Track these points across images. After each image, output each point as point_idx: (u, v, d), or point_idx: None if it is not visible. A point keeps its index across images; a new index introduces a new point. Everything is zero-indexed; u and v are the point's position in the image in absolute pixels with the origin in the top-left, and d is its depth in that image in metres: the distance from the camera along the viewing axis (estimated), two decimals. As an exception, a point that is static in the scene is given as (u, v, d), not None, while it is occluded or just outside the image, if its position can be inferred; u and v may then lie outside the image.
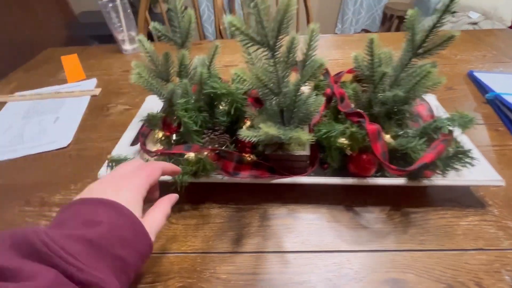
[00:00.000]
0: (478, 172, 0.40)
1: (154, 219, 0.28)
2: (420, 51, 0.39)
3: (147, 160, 0.45)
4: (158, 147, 0.47)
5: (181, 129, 0.43)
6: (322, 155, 0.44)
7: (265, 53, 0.31)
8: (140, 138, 0.46)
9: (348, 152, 0.40)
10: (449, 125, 0.40)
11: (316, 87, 0.51)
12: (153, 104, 0.60)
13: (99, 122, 0.65)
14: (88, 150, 0.57)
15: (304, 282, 0.35)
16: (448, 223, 0.40)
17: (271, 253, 0.38)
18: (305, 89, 0.43)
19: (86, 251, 0.21)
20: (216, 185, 0.45)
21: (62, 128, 0.63)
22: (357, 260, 0.37)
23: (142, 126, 0.50)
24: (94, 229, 0.22)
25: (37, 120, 0.66)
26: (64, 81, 0.82)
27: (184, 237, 0.41)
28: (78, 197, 0.27)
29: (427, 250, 0.37)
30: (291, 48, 0.31)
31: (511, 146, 0.52)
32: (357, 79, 0.53)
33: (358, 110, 0.41)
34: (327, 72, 0.53)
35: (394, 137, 0.40)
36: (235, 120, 0.49)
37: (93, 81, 0.80)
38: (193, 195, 0.45)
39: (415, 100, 0.43)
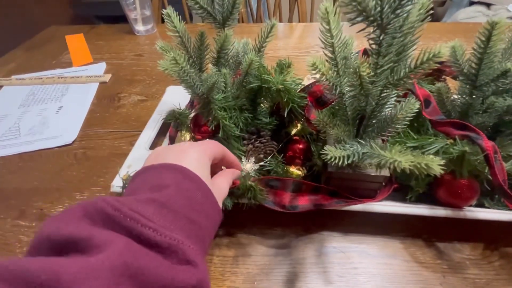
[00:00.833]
0: None
1: (220, 187, 0.27)
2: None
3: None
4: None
5: (219, 134, 0.34)
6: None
7: (373, 35, 0.21)
8: (169, 144, 0.36)
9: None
10: None
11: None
12: (174, 97, 0.50)
13: (110, 114, 0.55)
14: (97, 149, 0.48)
15: None
16: None
17: (338, 305, 0.29)
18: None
19: (159, 213, 0.19)
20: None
21: (66, 120, 0.53)
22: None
23: (169, 126, 0.40)
24: (163, 192, 0.21)
25: (36, 109, 0.56)
26: (68, 64, 0.72)
27: (221, 274, 0.32)
28: (143, 165, 0.25)
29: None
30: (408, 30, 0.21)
31: None
32: (436, 77, 0.42)
33: (456, 119, 0.31)
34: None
35: (505, 158, 0.30)
36: (282, 122, 0.39)
37: (102, 65, 0.70)
38: (229, 217, 0.35)
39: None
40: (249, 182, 0.31)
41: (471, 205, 0.32)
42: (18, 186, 0.42)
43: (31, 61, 0.74)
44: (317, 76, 0.40)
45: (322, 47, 0.25)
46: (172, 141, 0.38)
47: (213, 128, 0.34)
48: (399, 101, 0.33)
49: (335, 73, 0.25)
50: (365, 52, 0.34)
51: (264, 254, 0.33)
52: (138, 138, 0.42)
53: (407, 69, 0.25)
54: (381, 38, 0.20)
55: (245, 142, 0.36)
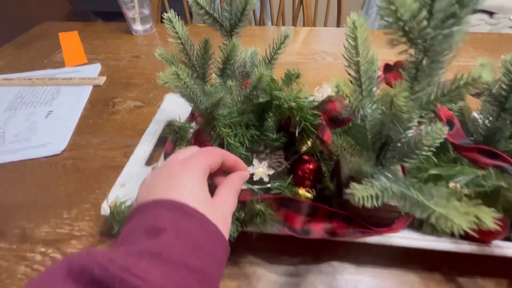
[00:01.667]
0: None
1: (225, 203, 0.24)
2: None
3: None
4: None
5: (224, 154, 0.30)
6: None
7: (412, 58, 0.18)
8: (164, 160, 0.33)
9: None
10: None
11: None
12: (174, 105, 0.46)
13: (103, 121, 0.51)
14: (88, 160, 0.44)
15: None
16: None
17: None
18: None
19: (155, 266, 0.17)
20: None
21: (56, 126, 0.50)
22: None
23: (165, 141, 0.37)
24: (159, 239, 0.18)
25: (24, 113, 0.53)
26: (61, 64, 0.68)
27: (222, 310, 0.29)
28: (134, 201, 0.24)
29: None
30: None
31: None
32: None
33: (483, 145, 0.29)
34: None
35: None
36: (291, 139, 0.36)
37: (97, 66, 0.66)
38: (231, 243, 0.32)
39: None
40: (258, 206, 0.28)
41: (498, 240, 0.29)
42: (-1, 201, 0.39)
43: (21, 60, 0.70)
44: (329, 91, 0.37)
45: (346, 65, 0.22)
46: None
47: (217, 145, 0.31)
48: (419, 122, 0.30)
49: (359, 95, 0.22)
50: (386, 68, 0.31)
51: (270, 286, 0.30)
52: (133, 152, 0.39)
53: (439, 92, 0.23)
54: (422, 62, 0.17)
55: (253, 156, 0.33)
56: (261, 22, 1.06)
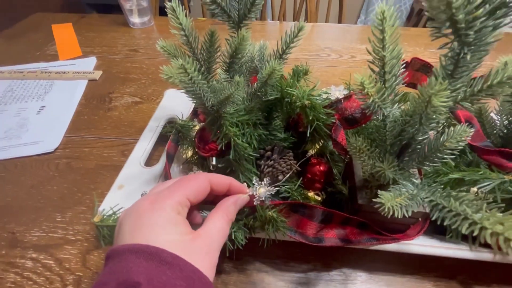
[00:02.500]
0: None
1: (212, 231, 0.21)
2: None
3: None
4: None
5: (230, 156, 0.28)
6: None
7: (451, 52, 0.16)
8: (166, 164, 0.31)
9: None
10: None
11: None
12: (174, 102, 0.44)
13: (99, 118, 0.49)
14: (83, 159, 0.42)
15: None
16: None
17: None
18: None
19: None
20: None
21: (48, 122, 0.47)
22: None
23: (167, 137, 0.34)
24: None
25: (15, 108, 0.50)
26: (54, 57, 0.65)
27: (228, 321, 0.27)
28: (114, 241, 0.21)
29: None
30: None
31: None
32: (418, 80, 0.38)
33: (506, 148, 0.27)
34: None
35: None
36: (299, 139, 0.34)
37: (92, 60, 0.63)
38: (238, 249, 0.30)
39: None
40: (270, 213, 0.26)
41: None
42: (-13, 203, 0.36)
43: (12, 52, 0.66)
44: (337, 93, 0.35)
45: (370, 60, 0.20)
46: (170, 160, 0.33)
47: (223, 147, 0.29)
48: (437, 122, 0.29)
49: (382, 94, 0.20)
50: (407, 64, 0.29)
51: (278, 296, 0.29)
52: (132, 152, 0.37)
53: (468, 92, 0.21)
54: (461, 55, 0.15)
55: (260, 163, 0.31)
56: (262, 18, 1.04)
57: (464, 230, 0.15)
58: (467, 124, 0.31)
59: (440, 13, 0.13)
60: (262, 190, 0.29)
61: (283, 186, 0.31)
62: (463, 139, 0.23)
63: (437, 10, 0.13)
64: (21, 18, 0.80)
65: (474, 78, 0.21)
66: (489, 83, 0.20)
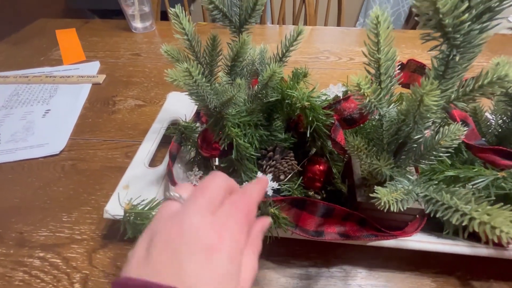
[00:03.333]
0: None
1: (248, 278, 0.16)
2: None
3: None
4: (194, 174, 0.32)
5: (233, 156, 0.29)
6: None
7: (441, 54, 0.17)
8: (170, 162, 0.32)
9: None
10: None
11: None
12: (177, 104, 0.45)
13: (103, 121, 0.50)
14: (88, 161, 0.43)
15: None
16: None
17: None
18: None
19: None
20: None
21: (54, 125, 0.48)
22: None
23: (170, 138, 0.35)
24: None
25: (20, 112, 0.51)
26: (58, 61, 0.66)
27: (231, 318, 0.27)
28: (125, 267, 0.15)
29: None
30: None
31: None
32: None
33: (500, 146, 0.28)
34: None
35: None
36: (299, 139, 0.35)
37: (95, 64, 0.64)
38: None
39: None
40: (272, 210, 0.26)
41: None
42: (-5, 204, 0.37)
43: (17, 57, 0.68)
44: (336, 92, 0.36)
45: (366, 63, 0.21)
46: (173, 159, 0.33)
47: (225, 148, 0.30)
48: (433, 122, 0.29)
49: (378, 94, 0.21)
50: (402, 66, 0.30)
51: (280, 292, 0.29)
52: (136, 153, 0.37)
53: (460, 92, 0.22)
54: (454, 57, 0.16)
55: (261, 163, 0.32)
56: (261, 22, 1.05)
57: (454, 221, 0.16)
58: (462, 123, 0.32)
59: (428, 18, 0.14)
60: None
61: (284, 185, 0.32)
62: (457, 137, 0.24)
63: (425, 16, 0.14)
64: (24, 25, 0.82)
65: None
66: (480, 83, 0.20)
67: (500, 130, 0.32)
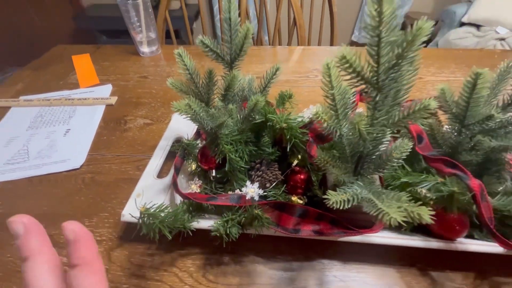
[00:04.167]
0: None
1: None
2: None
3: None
4: (195, 183, 0.39)
5: (226, 168, 0.36)
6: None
7: (370, 95, 0.23)
8: (174, 174, 0.38)
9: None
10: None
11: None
12: (181, 123, 0.52)
13: (116, 138, 0.57)
14: (104, 174, 0.49)
15: None
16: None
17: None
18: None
19: None
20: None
21: (74, 143, 0.55)
22: None
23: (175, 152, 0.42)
24: None
25: (45, 131, 0.58)
26: (75, 85, 0.74)
27: (226, 303, 0.33)
28: None
29: None
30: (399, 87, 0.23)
31: None
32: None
33: (446, 157, 0.34)
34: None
35: (492, 194, 0.33)
36: (284, 153, 0.41)
37: (108, 87, 0.72)
38: (235, 245, 0.37)
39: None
40: (256, 211, 0.33)
41: (462, 237, 0.34)
42: (27, 212, 0.43)
43: (38, 82, 0.76)
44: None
45: (324, 95, 0.28)
46: (177, 171, 0.40)
47: (220, 161, 0.36)
48: (394, 137, 0.36)
49: (336, 119, 0.28)
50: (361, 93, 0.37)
51: (268, 282, 0.35)
52: (147, 166, 0.44)
53: (401, 115, 0.28)
54: (377, 98, 0.23)
55: (251, 173, 0.38)
56: (258, 40, 1.14)
57: (376, 214, 0.22)
58: (417, 137, 0.38)
59: (351, 72, 0.20)
60: (252, 189, 0.36)
61: (270, 192, 0.38)
62: (405, 150, 0.30)
63: (348, 72, 0.20)
64: (37, 46, 0.91)
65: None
66: (411, 110, 0.27)
67: (452, 142, 0.38)
